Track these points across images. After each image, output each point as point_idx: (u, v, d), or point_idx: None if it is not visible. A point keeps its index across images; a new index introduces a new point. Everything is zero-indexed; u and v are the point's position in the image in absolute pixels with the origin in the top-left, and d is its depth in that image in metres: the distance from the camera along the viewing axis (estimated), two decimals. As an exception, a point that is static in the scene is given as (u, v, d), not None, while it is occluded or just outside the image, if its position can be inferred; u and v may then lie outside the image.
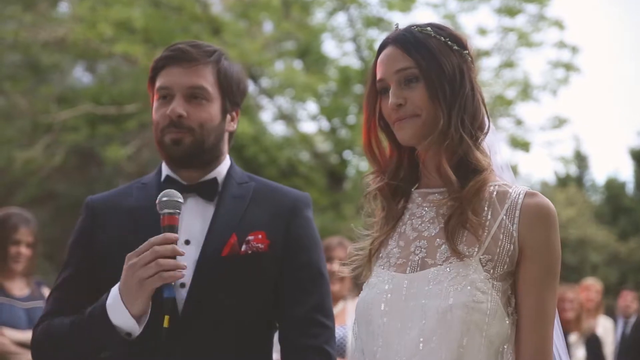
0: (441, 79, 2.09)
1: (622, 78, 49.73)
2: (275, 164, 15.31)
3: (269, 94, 16.33)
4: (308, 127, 22.37)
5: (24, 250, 4.94)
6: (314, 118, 16.74)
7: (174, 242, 2.29)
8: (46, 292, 5.04)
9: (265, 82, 16.32)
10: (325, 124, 16.59)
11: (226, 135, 2.61)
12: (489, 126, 2.16)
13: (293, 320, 2.51)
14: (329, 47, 21.57)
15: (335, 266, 4.91)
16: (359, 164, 16.46)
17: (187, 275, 2.42)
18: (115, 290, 2.32)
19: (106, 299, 2.33)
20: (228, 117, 2.60)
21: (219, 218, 2.50)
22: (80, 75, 19.84)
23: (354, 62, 16.39)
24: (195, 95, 2.50)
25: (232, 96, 2.59)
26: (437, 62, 2.09)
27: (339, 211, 15.08)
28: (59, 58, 16.90)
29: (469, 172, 2.09)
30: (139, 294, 2.27)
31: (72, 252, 2.57)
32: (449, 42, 2.13)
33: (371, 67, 2.20)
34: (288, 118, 16.62)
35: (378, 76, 2.16)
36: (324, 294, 2.57)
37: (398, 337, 2.05)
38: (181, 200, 2.34)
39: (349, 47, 16.63)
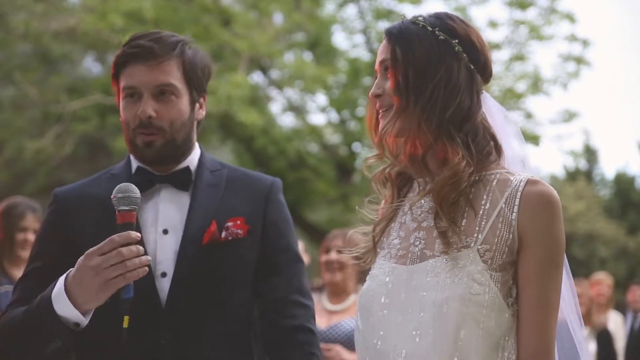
0: (407, 67, 2.07)
1: (632, 72, 49.54)
2: (284, 156, 15.29)
3: (279, 85, 16.33)
4: (317, 119, 22.44)
5: (31, 237, 4.95)
6: (323, 110, 16.72)
7: (137, 241, 2.22)
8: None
9: (274, 74, 16.32)
10: (334, 116, 16.58)
11: (195, 124, 2.61)
12: (474, 117, 2.10)
13: (273, 303, 2.55)
14: (339, 39, 21.59)
15: (333, 255, 4.90)
16: (367, 156, 16.41)
17: (167, 265, 2.44)
18: (60, 282, 2.27)
19: (52, 288, 2.28)
20: (197, 106, 2.59)
21: (197, 206, 2.51)
22: (91, 66, 19.86)
23: (364, 54, 16.36)
24: (163, 92, 2.48)
25: (199, 85, 2.57)
26: (410, 52, 2.07)
27: (348, 203, 15.07)
28: (70, 48, 16.91)
29: (442, 164, 2.07)
30: (101, 294, 2.21)
31: (41, 245, 2.54)
32: (437, 31, 2.09)
33: None
34: (297, 110, 16.61)
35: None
36: (300, 275, 2.61)
37: (397, 329, 2.04)
38: (138, 195, 2.25)
39: (359, 39, 16.63)
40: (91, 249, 2.22)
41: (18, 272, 4.91)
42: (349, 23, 16.56)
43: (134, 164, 2.58)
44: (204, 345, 2.44)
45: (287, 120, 17.66)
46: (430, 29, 2.10)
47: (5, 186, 15.66)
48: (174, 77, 2.49)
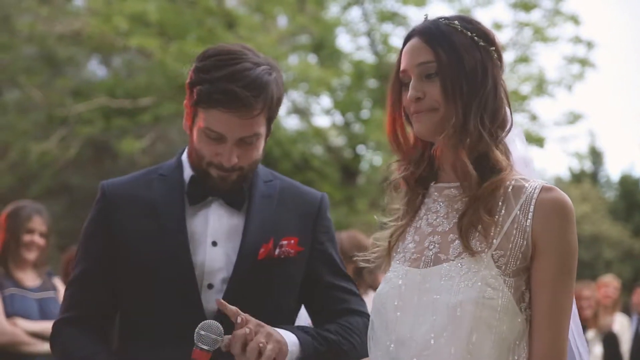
0: (459, 75, 2.07)
1: (637, 74, 49.49)
2: (289, 158, 15.31)
3: (283, 87, 16.31)
4: (322, 121, 22.45)
5: (38, 239, 4.97)
6: (327, 112, 16.74)
7: None
8: (57, 282, 5.08)
9: (279, 76, 16.31)
10: (339, 119, 16.59)
11: None
12: (511, 124, 2.14)
13: (334, 313, 2.54)
14: (343, 41, 21.59)
15: None
16: (372, 158, 16.44)
17: (215, 277, 2.41)
18: None
19: None
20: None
21: (254, 219, 2.47)
22: (95, 69, 19.90)
23: (368, 57, 16.37)
24: (247, 141, 2.42)
25: (275, 116, 2.52)
26: (457, 58, 2.07)
27: (352, 206, 15.07)
28: (75, 51, 16.95)
29: (487, 170, 2.08)
30: None
31: (87, 244, 2.50)
32: (476, 38, 2.11)
33: (397, 57, 2.19)
34: (302, 112, 16.63)
35: (401, 67, 2.15)
36: (354, 289, 2.60)
37: (410, 332, 2.06)
38: (221, 338, 2.23)
39: (363, 41, 16.63)
40: None
41: (23, 275, 4.93)
42: (353, 25, 16.57)
43: (188, 170, 2.52)
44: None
45: (292, 123, 17.70)
46: (469, 34, 2.11)
47: (10, 189, 15.70)
48: (260, 125, 2.42)
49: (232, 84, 2.34)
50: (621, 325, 8.56)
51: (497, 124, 2.11)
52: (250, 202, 2.50)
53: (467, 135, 2.06)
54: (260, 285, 2.43)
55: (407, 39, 2.17)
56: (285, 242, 2.46)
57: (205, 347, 2.20)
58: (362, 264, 2.32)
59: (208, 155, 2.43)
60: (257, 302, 2.41)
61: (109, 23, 14.17)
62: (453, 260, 2.05)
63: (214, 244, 2.44)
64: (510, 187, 2.08)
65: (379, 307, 2.15)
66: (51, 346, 2.52)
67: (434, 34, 2.11)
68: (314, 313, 2.61)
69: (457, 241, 2.07)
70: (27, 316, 4.78)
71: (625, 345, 8.33)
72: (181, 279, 2.38)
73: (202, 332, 2.21)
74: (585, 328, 7.50)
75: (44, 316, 4.78)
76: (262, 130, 2.44)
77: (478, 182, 2.06)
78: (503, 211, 2.06)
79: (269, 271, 2.43)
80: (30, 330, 4.70)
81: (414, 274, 2.10)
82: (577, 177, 26.98)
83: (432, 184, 2.22)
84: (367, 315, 2.51)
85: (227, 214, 2.49)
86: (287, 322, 2.51)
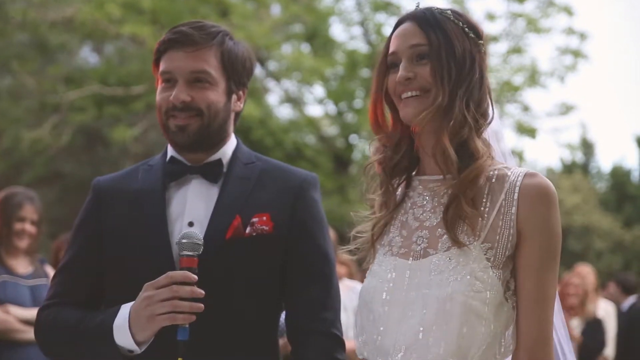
0: (449, 59, 2.09)
1: (629, 65, 49.58)
2: (281, 147, 15.30)
3: (276, 77, 16.32)
4: (314, 110, 22.40)
5: (29, 228, 4.97)
6: (320, 102, 16.73)
7: (194, 282, 2.26)
8: (49, 270, 5.08)
9: (272, 65, 16.31)
10: (331, 108, 16.58)
11: (232, 116, 2.59)
12: (492, 117, 2.16)
13: (300, 304, 2.50)
14: (337, 30, 21.57)
15: None
16: (365, 148, 16.43)
17: None
18: (125, 311, 2.32)
19: (115, 315, 2.34)
20: (234, 97, 2.57)
21: (224, 200, 2.48)
22: (88, 56, 19.82)
23: (362, 46, 16.37)
24: (198, 80, 2.47)
25: (238, 77, 2.56)
26: (449, 43, 2.10)
27: (345, 195, 15.09)
28: (67, 38, 16.88)
29: (466, 158, 2.09)
30: (148, 326, 2.27)
31: (77, 233, 2.56)
32: (466, 29, 2.14)
33: (385, 41, 2.21)
34: (295, 101, 16.61)
35: (391, 49, 2.17)
36: (330, 277, 2.55)
37: (398, 325, 2.07)
38: (201, 242, 2.30)
39: (357, 31, 16.62)
40: (150, 282, 2.28)
41: (15, 263, 4.93)
42: (347, 15, 16.55)
43: (169, 153, 2.57)
44: (224, 341, 2.42)
45: (285, 112, 17.69)
46: (460, 24, 2.14)
47: (2, 176, 15.66)
48: (210, 65, 2.49)
49: (182, 28, 2.52)
50: (605, 312, 8.51)
51: (480, 113, 2.13)
52: (224, 183, 2.51)
53: (451, 118, 2.08)
54: (231, 267, 2.42)
55: (398, 24, 2.20)
56: (256, 220, 2.45)
57: (190, 253, 2.28)
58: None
59: (163, 104, 2.48)
60: (228, 283, 2.41)
61: (101, 10, 14.11)
62: (442, 254, 2.06)
63: (191, 224, 2.46)
64: (494, 178, 2.09)
65: (366, 301, 2.15)
66: (37, 330, 2.52)
67: (427, 19, 2.14)
68: (285, 292, 2.54)
69: (445, 236, 2.07)
70: (19, 303, 4.79)
71: (610, 333, 8.29)
72: (160, 262, 2.40)
73: (184, 241, 2.29)
74: (571, 316, 7.49)
75: (36, 303, 4.78)
76: (213, 71, 2.49)
77: (458, 168, 2.07)
78: (488, 203, 2.07)
79: (240, 252, 2.42)
80: (23, 317, 4.70)
81: (403, 268, 2.11)
82: (569, 168, 27.05)
83: (414, 176, 2.22)
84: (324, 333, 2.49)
85: (206, 193, 2.50)
86: (266, 309, 2.50)
